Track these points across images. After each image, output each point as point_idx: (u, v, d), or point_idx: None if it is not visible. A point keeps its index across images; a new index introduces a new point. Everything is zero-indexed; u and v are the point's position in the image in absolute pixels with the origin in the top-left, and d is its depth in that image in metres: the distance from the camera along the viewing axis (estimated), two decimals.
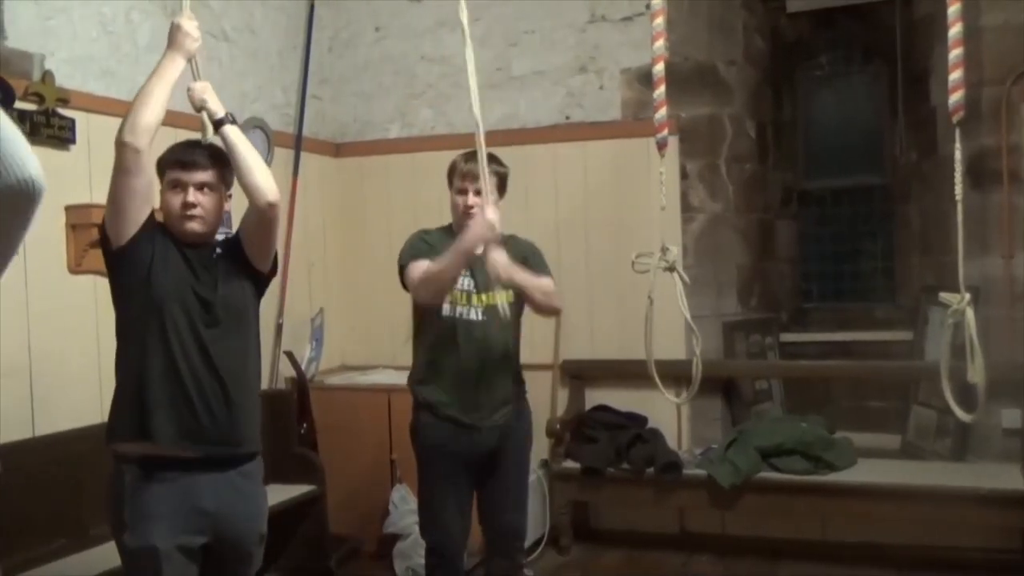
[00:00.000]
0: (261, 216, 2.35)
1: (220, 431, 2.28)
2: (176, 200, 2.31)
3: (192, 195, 2.30)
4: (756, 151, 4.91)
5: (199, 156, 2.33)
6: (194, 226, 2.31)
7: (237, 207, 2.47)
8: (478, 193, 2.86)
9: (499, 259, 2.68)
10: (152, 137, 2.21)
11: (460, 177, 2.93)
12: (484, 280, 2.88)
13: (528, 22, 4.75)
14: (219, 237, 2.46)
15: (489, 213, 2.67)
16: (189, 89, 2.32)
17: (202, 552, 2.30)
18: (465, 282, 2.93)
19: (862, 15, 4.99)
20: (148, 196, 2.29)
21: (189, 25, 2.30)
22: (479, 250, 2.68)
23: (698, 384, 2.47)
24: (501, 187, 2.97)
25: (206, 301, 2.31)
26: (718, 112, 4.69)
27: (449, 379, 2.93)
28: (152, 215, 2.32)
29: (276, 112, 4.56)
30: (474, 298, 2.93)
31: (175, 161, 2.34)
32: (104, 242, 2.31)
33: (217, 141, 2.37)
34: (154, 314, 2.26)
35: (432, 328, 2.97)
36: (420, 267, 2.86)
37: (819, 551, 4.24)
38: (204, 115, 2.35)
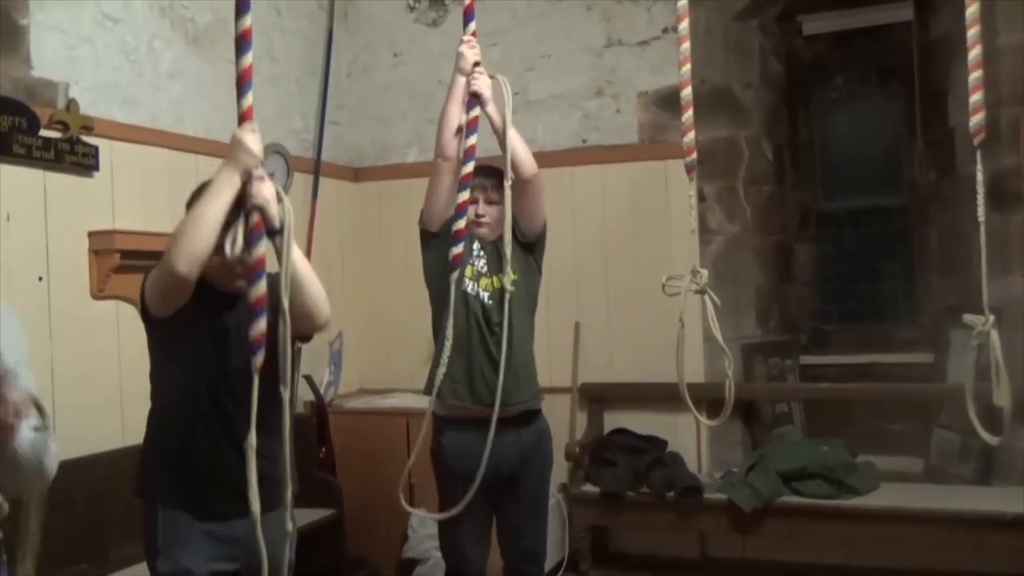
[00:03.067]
0: (311, 330, 2.34)
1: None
2: (214, 258, 2.16)
3: None
4: (773, 173, 4.91)
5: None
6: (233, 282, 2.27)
7: None
8: (488, 203, 2.98)
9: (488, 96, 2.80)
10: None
11: (468, 189, 2.96)
12: (493, 263, 2.96)
13: (545, 46, 4.78)
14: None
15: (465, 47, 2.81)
16: (251, 195, 1.85)
17: None
18: (480, 263, 2.99)
19: (879, 36, 4.99)
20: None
21: (250, 139, 1.93)
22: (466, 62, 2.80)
23: (731, 406, 2.48)
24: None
25: (240, 369, 2.20)
26: (735, 134, 4.70)
27: (465, 360, 2.92)
28: None
29: (295, 137, 4.60)
30: (483, 281, 2.97)
31: None
32: (144, 310, 2.28)
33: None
34: (191, 379, 2.28)
35: (449, 305, 2.93)
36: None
37: None
38: (254, 216, 1.83)
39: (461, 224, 2.64)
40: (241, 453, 2.20)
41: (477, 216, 2.98)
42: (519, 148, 2.90)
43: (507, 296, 2.80)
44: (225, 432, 2.26)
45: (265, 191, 1.84)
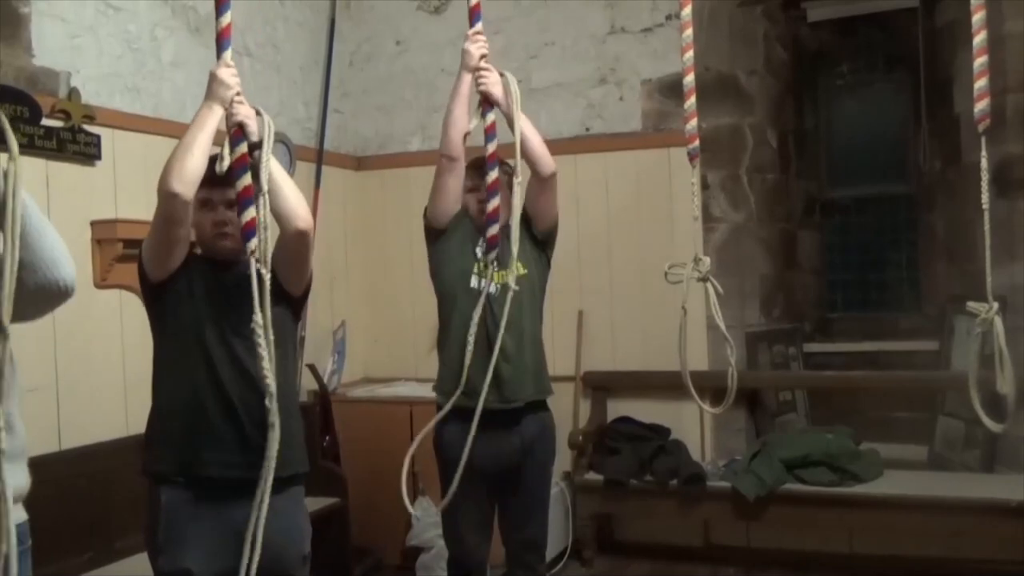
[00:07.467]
0: (295, 243, 2.28)
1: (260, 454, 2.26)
2: (207, 219, 2.28)
3: (222, 213, 2.27)
4: (778, 161, 4.89)
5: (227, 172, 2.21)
6: (226, 243, 2.28)
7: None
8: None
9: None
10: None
11: (469, 177, 2.93)
12: (502, 256, 2.81)
13: (548, 34, 4.76)
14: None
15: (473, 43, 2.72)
16: (230, 114, 2.08)
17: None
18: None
19: (884, 23, 4.96)
20: (189, 239, 2.25)
21: (225, 73, 2.09)
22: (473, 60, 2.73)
23: (734, 394, 2.47)
24: (509, 185, 2.81)
25: (243, 325, 2.19)
26: (739, 122, 4.68)
27: (470, 355, 2.87)
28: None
29: (298, 126, 4.60)
30: (494, 275, 2.87)
31: (204, 178, 2.24)
32: (142, 276, 2.28)
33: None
34: (193, 345, 2.25)
35: (456, 302, 2.93)
36: None
37: (846, 564, 4.20)
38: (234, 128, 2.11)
39: (495, 231, 2.62)
40: (251, 418, 2.21)
41: (479, 203, 2.88)
42: (536, 146, 2.86)
43: (510, 294, 2.74)
44: (234, 395, 2.24)
45: (244, 110, 2.06)
